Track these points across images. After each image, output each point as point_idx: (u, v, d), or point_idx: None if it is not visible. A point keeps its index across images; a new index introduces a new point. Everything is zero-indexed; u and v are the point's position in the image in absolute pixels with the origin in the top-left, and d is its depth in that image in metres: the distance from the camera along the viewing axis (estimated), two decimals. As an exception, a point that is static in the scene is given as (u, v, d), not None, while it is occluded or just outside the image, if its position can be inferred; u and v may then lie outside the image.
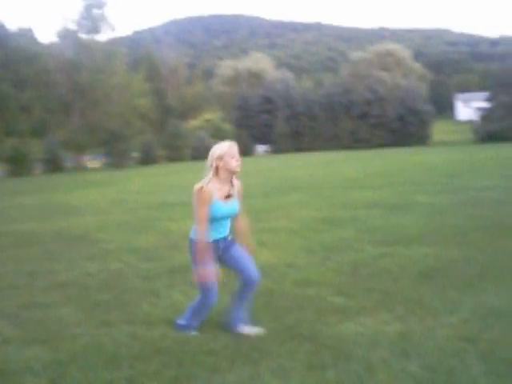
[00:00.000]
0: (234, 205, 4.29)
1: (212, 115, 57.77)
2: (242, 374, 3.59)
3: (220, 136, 52.58)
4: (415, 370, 3.46)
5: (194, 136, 52.11)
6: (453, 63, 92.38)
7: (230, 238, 4.37)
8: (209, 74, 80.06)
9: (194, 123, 56.88)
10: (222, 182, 4.20)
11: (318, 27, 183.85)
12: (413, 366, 3.53)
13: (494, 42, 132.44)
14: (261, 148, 54.85)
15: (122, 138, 49.06)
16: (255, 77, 68.81)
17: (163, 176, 29.30)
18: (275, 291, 5.47)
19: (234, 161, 4.15)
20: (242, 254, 4.37)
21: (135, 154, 51.16)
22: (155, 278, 6.33)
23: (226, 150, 4.14)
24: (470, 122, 60.16)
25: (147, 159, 50.63)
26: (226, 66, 75.16)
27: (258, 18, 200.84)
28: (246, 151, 53.15)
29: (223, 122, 56.80)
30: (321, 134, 59.12)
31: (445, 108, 79.05)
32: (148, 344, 4.19)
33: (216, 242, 4.27)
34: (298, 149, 55.99)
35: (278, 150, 55.98)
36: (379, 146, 54.00)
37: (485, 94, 60.08)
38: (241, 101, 59.81)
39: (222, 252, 4.31)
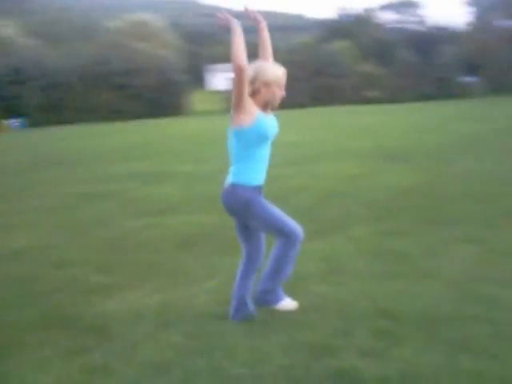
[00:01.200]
0: (275, 122, 3.57)
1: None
2: (-3, 371, 3.30)
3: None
4: (178, 340, 3.51)
5: None
6: (206, 35, 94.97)
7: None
8: None
9: None
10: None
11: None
12: (175, 335, 3.57)
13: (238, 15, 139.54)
14: (12, 122, 50.70)
15: None
16: (2, 45, 63.32)
17: None
18: (32, 276, 5.14)
19: (281, 93, 3.46)
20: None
21: None
22: None
23: (280, 76, 3.42)
24: (220, 92, 62.41)
25: None
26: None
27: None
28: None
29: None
30: (80, 105, 56.80)
31: (200, 79, 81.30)
32: None
33: (259, 188, 3.60)
34: (58, 122, 53.04)
35: (33, 123, 52.44)
36: (137, 116, 53.67)
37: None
38: (-14, 72, 54.57)
39: None
